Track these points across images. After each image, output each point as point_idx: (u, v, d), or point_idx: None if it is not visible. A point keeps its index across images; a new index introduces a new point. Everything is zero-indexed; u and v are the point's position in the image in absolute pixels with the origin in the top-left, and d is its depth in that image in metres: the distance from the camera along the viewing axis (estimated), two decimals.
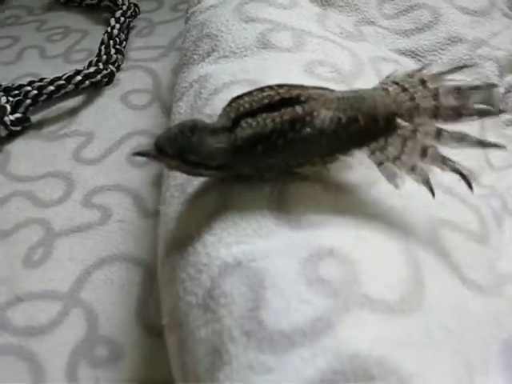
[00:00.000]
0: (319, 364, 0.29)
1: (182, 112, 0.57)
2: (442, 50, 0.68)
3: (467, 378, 0.31)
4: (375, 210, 0.39)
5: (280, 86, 0.41)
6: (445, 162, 0.37)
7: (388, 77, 0.42)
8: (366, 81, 0.57)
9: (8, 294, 0.64)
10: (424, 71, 0.41)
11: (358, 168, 0.41)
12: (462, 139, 0.37)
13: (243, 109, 0.40)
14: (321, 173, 0.41)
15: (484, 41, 0.68)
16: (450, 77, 0.39)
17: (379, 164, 0.38)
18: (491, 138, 0.57)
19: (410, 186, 0.41)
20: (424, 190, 0.40)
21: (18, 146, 0.85)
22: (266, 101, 0.39)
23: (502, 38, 0.69)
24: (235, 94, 0.43)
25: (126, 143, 0.81)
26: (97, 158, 0.80)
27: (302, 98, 0.39)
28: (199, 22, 0.71)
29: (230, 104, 0.42)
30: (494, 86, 0.40)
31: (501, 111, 0.48)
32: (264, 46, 0.60)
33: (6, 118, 0.84)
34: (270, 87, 0.42)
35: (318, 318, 0.31)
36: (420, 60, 0.68)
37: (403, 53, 0.69)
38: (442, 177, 0.45)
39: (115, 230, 0.69)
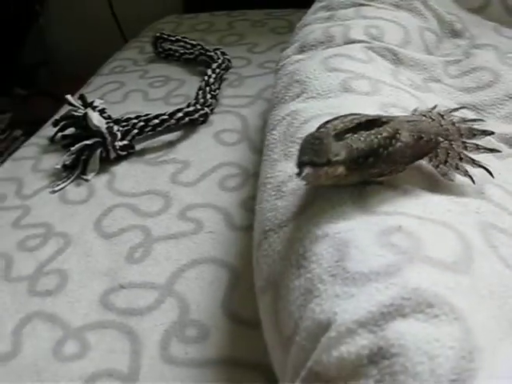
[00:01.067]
0: (390, 293, 0.39)
1: (276, 138, 0.69)
2: (500, 104, 0.78)
3: (507, 327, 0.40)
4: (435, 209, 0.49)
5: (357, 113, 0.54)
6: (474, 162, 0.54)
7: (415, 111, 0.59)
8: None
9: (112, 283, 0.77)
10: (437, 109, 0.54)
11: (418, 176, 0.52)
12: (477, 148, 0.55)
13: (340, 127, 0.50)
14: (392, 179, 0.52)
15: None
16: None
17: (436, 167, 0.49)
18: None
19: (466, 196, 0.52)
20: (477, 202, 0.51)
21: (122, 168, 0.99)
22: (357, 121, 0.51)
23: None
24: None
25: (218, 171, 0.94)
26: (192, 181, 0.93)
27: (384, 119, 0.51)
28: (289, 71, 0.84)
29: (321, 127, 0.54)
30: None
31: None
32: (345, 90, 0.72)
33: (116, 143, 0.99)
34: (351, 114, 0.54)
35: (389, 265, 0.41)
36: (479, 113, 0.79)
37: (465, 106, 0.80)
38: (493, 194, 0.55)
39: (206, 238, 0.81)
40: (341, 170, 0.47)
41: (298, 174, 0.46)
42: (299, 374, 0.40)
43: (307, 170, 0.45)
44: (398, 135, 0.50)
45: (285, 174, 0.59)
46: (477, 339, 0.37)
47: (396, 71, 0.81)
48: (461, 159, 0.54)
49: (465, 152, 0.54)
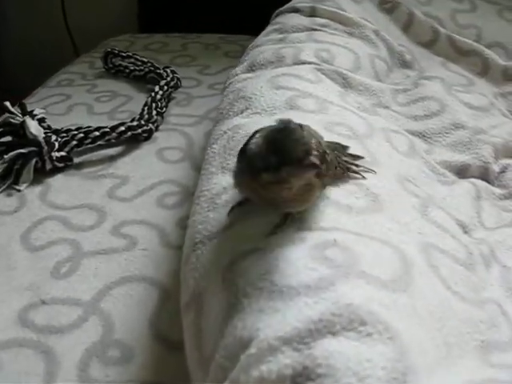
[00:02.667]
0: (319, 308, 0.35)
1: (215, 151, 0.66)
2: (447, 133, 0.78)
3: (445, 351, 0.38)
4: (375, 227, 0.47)
5: None
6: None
7: None
8: (378, 142, 0.66)
9: (33, 298, 0.71)
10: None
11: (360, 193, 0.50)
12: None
13: None
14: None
15: (483, 129, 0.78)
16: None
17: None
18: (486, 207, 0.66)
19: (408, 216, 0.50)
20: (420, 222, 0.49)
21: (58, 181, 0.94)
22: None
23: (499, 130, 0.79)
24: None
25: (157, 188, 0.91)
26: (129, 197, 0.89)
27: None
28: (236, 88, 0.82)
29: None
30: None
31: None
32: (291, 107, 0.70)
33: (52, 154, 0.94)
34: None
35: (321, 279, 0.38)
36: (426, 140, 0.78)
37: (412, 133, 0.79)
38: (436, 216, 0.53)
39: (138, 255, 0.77)
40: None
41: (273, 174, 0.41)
42: None
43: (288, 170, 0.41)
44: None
45: (220, 186, 0.56)
46: (412, 360, 0.34)
47: (344, 94, 0.80)
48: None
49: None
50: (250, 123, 0.68)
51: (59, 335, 0.66)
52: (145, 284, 0.72)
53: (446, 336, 0.39)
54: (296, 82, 0.77)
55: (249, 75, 0.86)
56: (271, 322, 0.35)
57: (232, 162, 0.60)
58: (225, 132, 0.70)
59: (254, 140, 0.45)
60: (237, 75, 0.90)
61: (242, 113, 0.73)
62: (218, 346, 0.38)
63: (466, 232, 0.60)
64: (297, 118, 0.68)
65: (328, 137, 0.61)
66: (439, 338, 0.38)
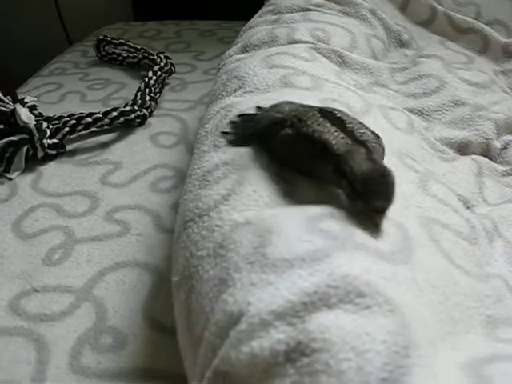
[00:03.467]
0: (314, 280, 0.33)
1: (208, 131, 0.64)
2: (446, 110, 0.76)
3: (450, 325, 0.36)
4: None
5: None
6: None
7: None
8: (374, 118, 0.64)
9: (24, 286, 0.69)
10: None
11: None
12: None
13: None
14: None
15: (484, 106, 0.76)
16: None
17: None
18: (488, 183, 0.63)
19: (407, 190, 0.48)
20: (420, 196, 0.47)
21: (50, 168, 0.92)
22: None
23: (500, 106, 0.77)
24: None
25: (151, 173, 0.89)
26: (122, 183, 0.87)
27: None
28: (229, 69, 0.80)
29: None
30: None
31: None
32: (285, 85, 0.68)
33: (44, 141, 0.92)
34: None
35: (316, 250, 0.36)
36: (426, 117, 0.76)
37: (411, 111, 0.77)
38: (437, 190, 0.51)
39: (132, 241, 0.75)
40: None
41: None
42: (204, 375, 0.34)
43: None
44: None
45: (212, 163, 0.53)
46: (414, 334, 0.32)
47: (340, 72, 0.78)
48: None
49: None
50: (243, 102, 0.66)
51: (51, 323, 0.64)
52: (139, 269, 0.70)
53: (451, 310, 0.37)
54: (290, 61, 0.75)
55: (242, 56, 0.84)
56: (263, 296, 0.33)
57: (224, 140, 0.58)
58: (217, 111, 0.67)
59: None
60: (230, 56, 0.88)
61: (234, 92, 0.71)
62: (209, 323, 0.36)
63: (468, 207, 0.57)
64: (289, 94, 0.66)
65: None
66: (443, 313, 0.36)
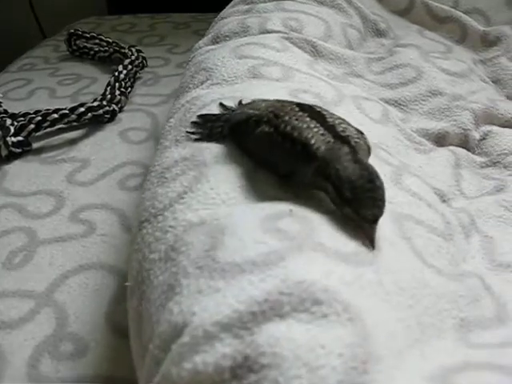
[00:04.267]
0: (266, 286, 0.30)
1: (172, 125, 0.61)
2: (423, 100, 0.73)
3: (418, 332, 0.33)
4: None
5: None
6: None
7: None
8: (347, 110, 0.61)
9: None
10: None
11: None
12: None
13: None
14: None
15: (462, 96, 0.73)
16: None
17: None
18: (466, 175, 0.61)
19: None
20: (392, 191, 0.44)
21: (15, 167, 0.88)
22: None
23: (479, 96, 0.74)
24: None
25: (119, 171, 0.85)
26: (89, 181, 0.83)
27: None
28: (198, 60, 0.77)
29: None
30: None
31: None
32: (254, 76, 0.65)
33: (8, 139, 0.88)
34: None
35: (270, 253, 0.32)
36: (402, 108, 0.73)
37: (387, 102, 0.74)
38: (411, 184, 0.48)
39: (97, 241, 0.71)
40: None
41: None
42: None
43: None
44: None
45: (171, 159, 0.50)
46: (375, 345, 0.29)
47: (313, 62, 0.75)
48: None
49: None
50: (209, 94, 0.63)
51: (8, 331, 0.61)
52: (103, 272, 0.67)
53: (420, 314, 0.34)
54: (260, 51, 0.72)
55: (212, 47, 0.81)
56: (208, 305, 0.30)
57: (187, 134, 0.55)
58: (182, 105, 0.64)
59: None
60: (200, 48, 0.85)
61: (201, 84, 0.68)
62: (153, 334, 0.33)
63: (444, 201, 0.55)
64: (258, 86, 0.63)
65: None
66: (411, 318, 0.33)
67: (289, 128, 0.42)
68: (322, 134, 0.41)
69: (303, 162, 0.41)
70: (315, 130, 0.42)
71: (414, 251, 0.40)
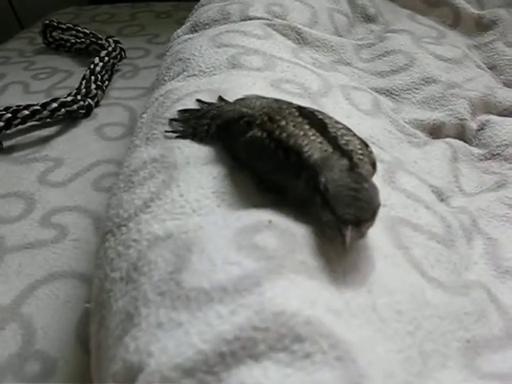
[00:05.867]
0: (237, 320, 0.25)
1: (144, 122, 0.56)
2: (416, 89, 0.68)
3: (420, 362, 0.28)
4: None
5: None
6: None
7: None
8: (334, 101, 0.56)
9: None
10: None
11: None
12: None
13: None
14: None
15: (457, 83, 0.68)
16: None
17: None
18: (464, 170, 0.56)
19: None
20: (385, 192, 0.40)
21: None
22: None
23: (475, 83, 0.69)
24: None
25: (94, 170, 0.80)
26: (62, 181, 0.78)
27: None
28: (175, 50, 0.71)
29: None
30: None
31: None
32: (233, 66, 0.60)
33: None
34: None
35: (244, 277, 0.27)
36: (394, 98, 0.68)
37: (378, 91, 0.69)
38: (405, 183, 0.44)
39: (69, 247, 0.66)
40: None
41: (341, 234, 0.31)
42: None
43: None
44: None
45: (140, 160, 0.45)
46: None
47: (298, 50, 0.70)
48: None
49: None
50: (184, 86, 0.58)
51: None
52: (74, 281, 0.62)
53: (422, 341, 0.29)
54: (241, 39, 0.66)
55: (190, 36, 0.76)
56: (168, 344, 0.25)
57: (159, 131, 0.50)
58: (156, 99, 0.59)
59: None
60: (178, 37, 0.79)
61: (177, 76, 0.63)
62: (108, 374, 0.28)
63: (442, 200, 0.50)
64: (236, 76, 0.58)
65: (275, 95, 0.51)
66: (412, 347, 0.28)
67: (284, 135, 0.36)
68: (320, 143, 0.35)
69: (296, 173, 0.35)
70: (312, 137, 0.36)
71: (413, 263, 0.35)
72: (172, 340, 0.25)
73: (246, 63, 0.60)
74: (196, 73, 0.61)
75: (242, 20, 0.76)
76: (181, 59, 0.66)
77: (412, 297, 0.31)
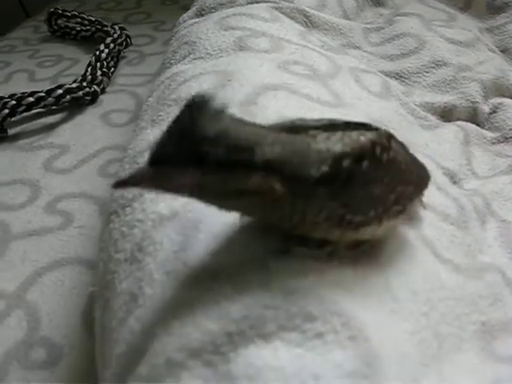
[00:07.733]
0: (245, 298, 0.24)
1: (149, 104, 0.55)
2: (427, 72, 0.67)
3: (435, 345, 0.27)
4: None
5: None
6: None
7: None
8: (344, 82, 0.55)
9: None
10: None
11: None
12: None
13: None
14: None
15: (469, 66, 0.67)
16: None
17: None
18: (477, 153, 0.55)
19: None
20: None
21: None
22: None
23: (487, 66, 0.68)
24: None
25: (100, 156, 0.79)
26: (68, 168, 0.77)
27: None
28: (181, 35, 0.70)
29: None
30: None
31: None
32: (240, 49, 0.59)
33: None
34: None
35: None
36: (404, 81, 0.67)
37: (387, 74, 0.67)
38: None
39: (75, 234, 0.66)
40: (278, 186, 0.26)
41: None
42: None
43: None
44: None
45: (146, 142, 0.44)
46: (384, 373, 0.23)
47: (306, 33, 0.69)
48: None
49: None
50: (190, 69, 0.57)
51: None
52: (80, 267, 0.61)
53: (437, 323, 0.28)
54: (248, 22, 0.65)
55: (196, 20, 0.75)
56: (173, 324, 0.24)
57: (164, 112, 0.49)
58: (162, 82, 0.58)
59: None
60: (184, 22, 0.78)
61: (184, 59, 0.62)
62: (111, 357, 0.27)
63: (455, 182, 0.49)
64: (243, 58, 0.57)
65: (282, 76, 0.50)
66: (427, 329, 0.27)
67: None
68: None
69: None
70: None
71: (426, 243, 0.34)
72: (177, 320, 0.24)
73: (254, 45, 0.59)
74: (202, 55, 0.60)
75: (248, 3, 0.75)
76: (187, 42, 0.65)
77: (426, 277, 0.30)
